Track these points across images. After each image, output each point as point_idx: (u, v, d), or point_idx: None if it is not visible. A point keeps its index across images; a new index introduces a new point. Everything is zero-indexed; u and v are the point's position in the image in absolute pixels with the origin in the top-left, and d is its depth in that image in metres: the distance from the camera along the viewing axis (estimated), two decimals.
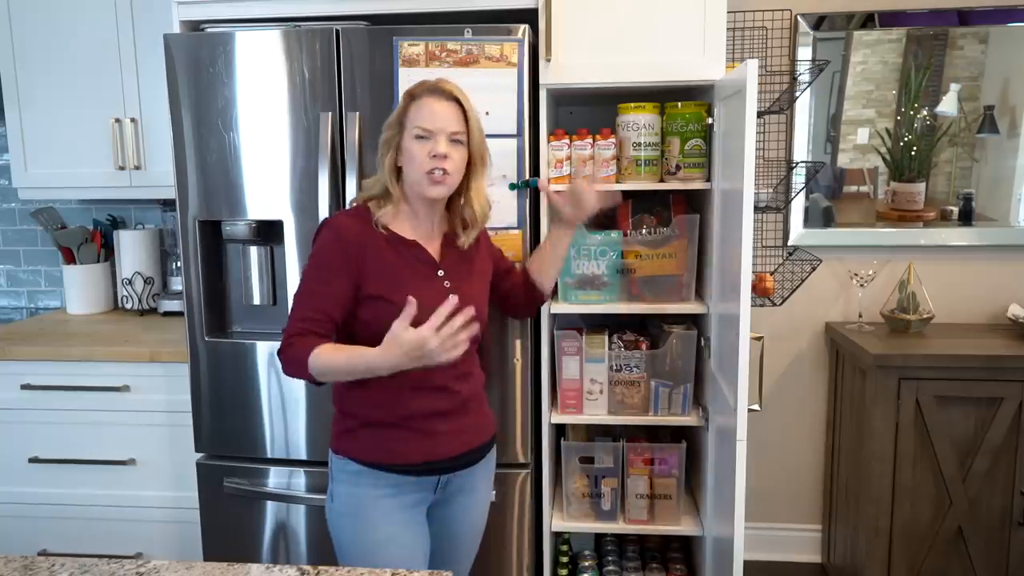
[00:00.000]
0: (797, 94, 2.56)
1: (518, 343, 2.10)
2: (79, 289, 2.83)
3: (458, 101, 1.56)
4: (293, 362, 1.49)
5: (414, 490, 1.59)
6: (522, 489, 2.16)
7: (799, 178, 2.61)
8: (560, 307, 2.24)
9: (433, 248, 1.62)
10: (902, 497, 2.32)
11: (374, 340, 1.43)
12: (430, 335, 1.35)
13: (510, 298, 1.87)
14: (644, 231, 2.26)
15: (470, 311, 1.39)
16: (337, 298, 1.52)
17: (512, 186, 2.00)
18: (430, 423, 1.57)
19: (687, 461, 2.33)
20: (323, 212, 2.01)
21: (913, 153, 2.59)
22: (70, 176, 2.60)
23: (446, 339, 1.36)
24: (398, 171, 1.59)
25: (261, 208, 2.09)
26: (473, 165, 1.60)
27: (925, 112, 2.57)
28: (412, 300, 1.36)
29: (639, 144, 2.19)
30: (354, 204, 1.65)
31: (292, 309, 1.55)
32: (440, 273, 1.60)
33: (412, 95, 1.56)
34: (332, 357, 1.46)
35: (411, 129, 1.53)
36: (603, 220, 2.37)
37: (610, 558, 2.47)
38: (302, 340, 1.49)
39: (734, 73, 1.87)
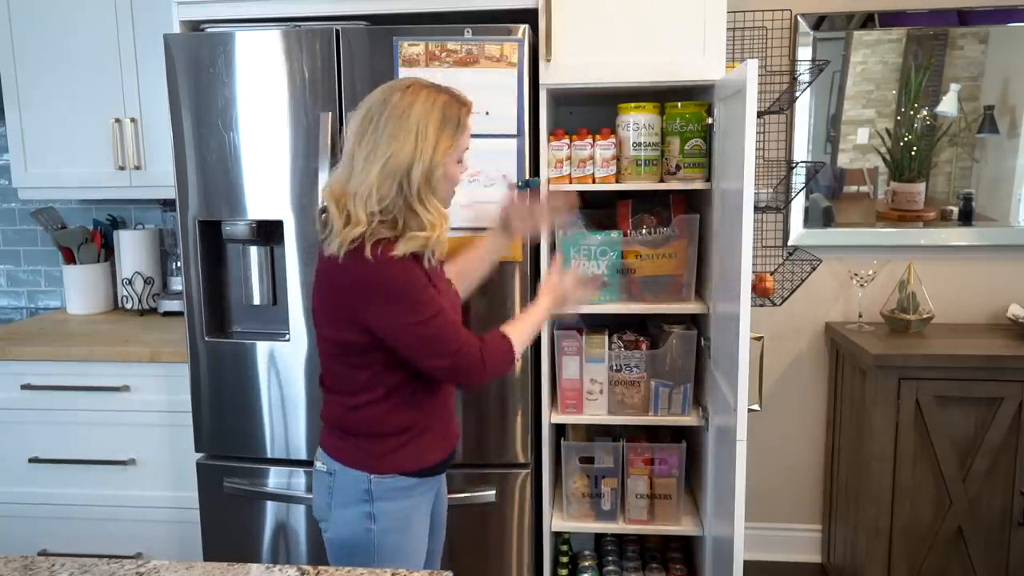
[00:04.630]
0: (797, 94, 2.56)
1: None
2: (79, 289, 2.83)
3: None
4: (499, 354, 1.52)
5: (436, 486, 1.65)
6: (522, 489, 2.16)
7: (799, 178, 2.61)
8: None
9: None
10: (902, 497, 2.32)
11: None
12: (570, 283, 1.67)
13: None
14: (644, 231, 2.26)
15: None
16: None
17: None
18: (452, 413, 1.66)
19: (687, 461, 2.33)
20: None
21: (913, 153, 2.59)
22: (70, 176, 2.60)
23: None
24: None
25: (261, 208, 2.09)
26: None
27: (925, 112, 2.57)
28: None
29: (639, 144, 2.20)
30: (400, 254, 1.42)
31: (446, 336, 1.45)
32: (451, 283, 1.63)
33: (460, 123, 1.45)
34: (521, 327, 1.60)
35: (459, 154, 1.48)
36: (603, 220, 2.38)
37: (610, 558, 2.47)
38: (484, 339, 1.51)
39: (734, 73, 1.87)
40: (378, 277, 1.41)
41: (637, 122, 2.19)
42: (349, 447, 1.55)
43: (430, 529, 1.68)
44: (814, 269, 2.61)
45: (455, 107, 1.45)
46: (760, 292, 2.50)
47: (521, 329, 1.59)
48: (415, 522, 1.59)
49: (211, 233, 2.15)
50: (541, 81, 2.10)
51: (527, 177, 2.03)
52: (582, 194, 2.41)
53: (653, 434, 2.46)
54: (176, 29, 2.13)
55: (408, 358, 1.47)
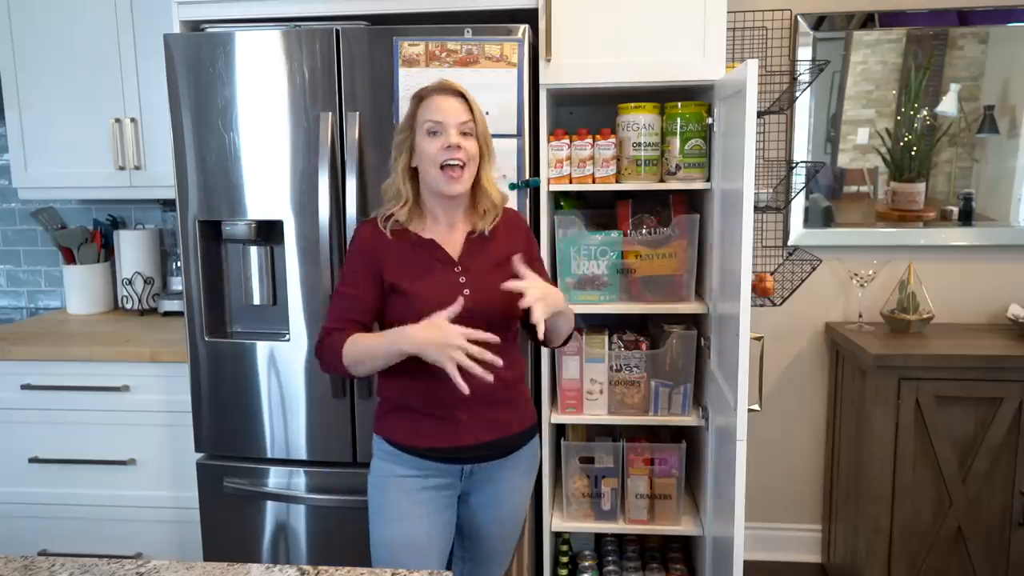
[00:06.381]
0: (797, 94, 2.56)
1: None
2: (79, 289, 2.83)
3: (462, 95, 1.62)
4: (329, 352, 1.60)
5: (438, 475, 1.65)
6: None
7: (799, 178, 2.61)
8: None
9: (453, 245, 1.64)
10: (902, 497, 2.32)
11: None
12: (460, 334, 1.44)
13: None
14: (644, 231, 2.26)
15: (493, 338, 1.47)
16: (365, 297, 1.62)
17: (512, 186, 2.00)
18: (453, 411, 1.61)
19: (687, 461, 2.33)
20: (323, 212, 2.01)
21: (913, 153, 2.59)
22: (70, 176, 2.60)
23: (466, 350, 1.43)
24: (412, 173, 1.64)
25: (261, 208, 2.09)
26: (482, 156, 1.64)
27: (925, 112, 2.57)
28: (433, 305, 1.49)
29: (639, 144, 2.20)
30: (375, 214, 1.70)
31: (331, 307, 1.67)
32: (457, 269, 1.62)
33: (420, 96, 1.62)
34: (366, 337, 1.58)
35: (422, 126, 1.59)
36: (603, 220, 2.38)
37: (610, 558, 2.48)
38: (338, 334, 1.59)
39: (734, 73, 1.87)
40: None
41: (637, 122, 2.19)
42: (378, 402, 1.74)
43: (469, 535, 1.75)
44: (814, 269, 2.61)
45: (421, 90, 1.63)
46: (760, 292, 2.50)
47: (366, 345, 1.56)
48: (397, 493, 1.63)
49: (211, 233, 2.15)
50: (541, 81, 2.10)
51: (527, 177, 2.03)
52: (582, 194, 2.43)
53: (653, 434, 2.46)
54: (176, 29, 2.13)
55: None
